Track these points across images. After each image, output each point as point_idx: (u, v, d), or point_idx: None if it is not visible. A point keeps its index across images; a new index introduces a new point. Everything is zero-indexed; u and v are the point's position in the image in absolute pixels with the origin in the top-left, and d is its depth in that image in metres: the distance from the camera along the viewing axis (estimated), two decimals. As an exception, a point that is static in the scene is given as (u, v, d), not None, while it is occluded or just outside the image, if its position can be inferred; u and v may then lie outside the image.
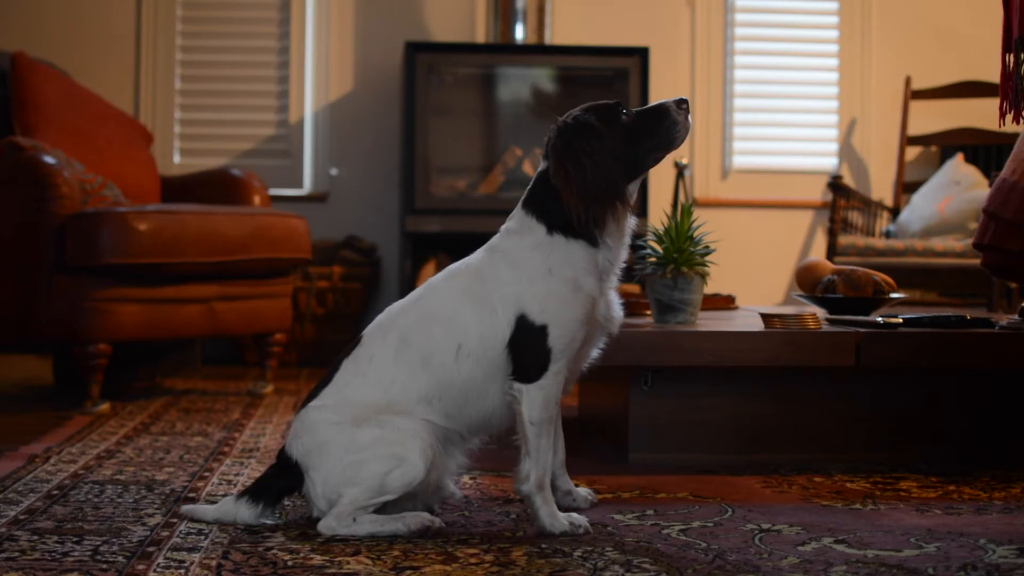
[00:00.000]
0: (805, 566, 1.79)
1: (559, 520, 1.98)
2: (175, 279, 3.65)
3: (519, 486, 1.99)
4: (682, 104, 2.05)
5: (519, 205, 2.07)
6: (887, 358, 2.61)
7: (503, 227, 2.09)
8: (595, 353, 2.13)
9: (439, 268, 4.95)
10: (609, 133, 2.01)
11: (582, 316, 2.00)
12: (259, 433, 3.09)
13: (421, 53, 4.92)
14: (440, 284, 2.07)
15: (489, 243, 2.09)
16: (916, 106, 5.55)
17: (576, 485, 2.25)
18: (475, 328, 1.99)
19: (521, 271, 2.00)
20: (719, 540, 1.95)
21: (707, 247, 2.70)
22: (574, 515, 2.01)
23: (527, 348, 1.98)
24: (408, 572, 1.73)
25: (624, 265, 2.10)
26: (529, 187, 2.08)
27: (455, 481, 2.17)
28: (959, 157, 5.26)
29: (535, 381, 1.98)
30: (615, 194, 1.99)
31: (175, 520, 2.06)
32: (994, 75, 5.47)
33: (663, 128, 2.04)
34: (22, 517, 2.07)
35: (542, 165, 2.06)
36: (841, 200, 5.11)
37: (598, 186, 1.97)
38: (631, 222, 2.06)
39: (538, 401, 1.98)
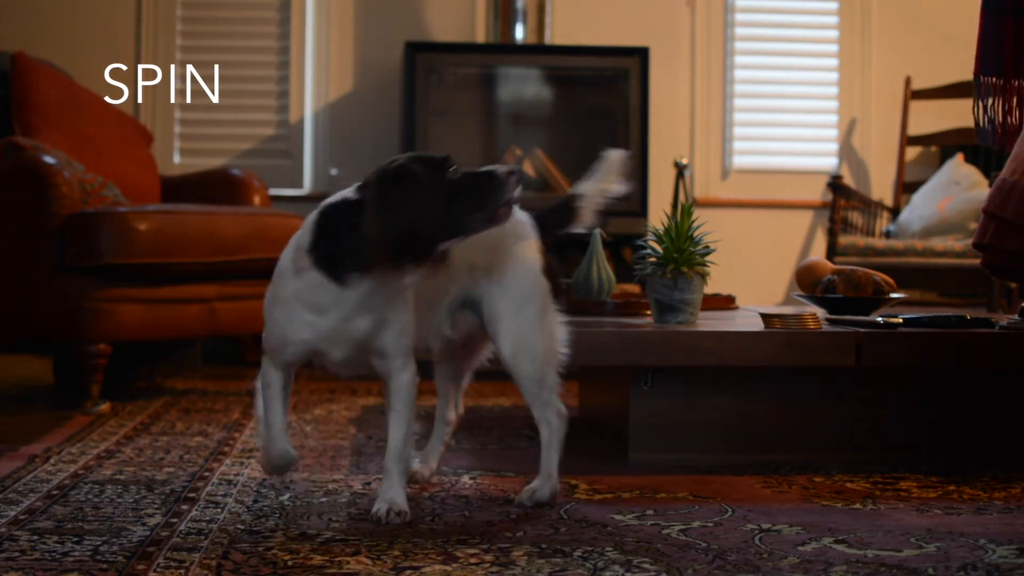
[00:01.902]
0: (805, 566, 1.79)
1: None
2: (175, 279, 3.65)
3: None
4: (512, 174, 1.99)
5: (311, 217, 2.06)
6: (887, 358, 2.61)
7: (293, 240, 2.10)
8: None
9: (439, 268, 4.95)
10: (431, 187, 1.96)
11: (281, 333, 2.08)
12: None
13: (421, 53, 4.92)
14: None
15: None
16: (916, 106, 5.55)
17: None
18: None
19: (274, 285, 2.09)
20: (719, 540, 1.95)
21: (707, 247, 2.70)
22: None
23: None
24: (408, 572, 1.73)
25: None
26: (331, 202, 2.04)
27: None
28: (959, 157, 5.26)
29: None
30: (416, 249, 1.94)
31: (175, 520, 2.06)
32: (994, 75, 5.47)
33: (487, 193, 1.97)
34: (22, 517, 2.07)
35: (351, 193, 2.03)
36: (841, 200, 5.11)
37: (401, 234, 1.93)
38: (413, 278, 2.02)
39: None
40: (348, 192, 2.05)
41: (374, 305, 2.02)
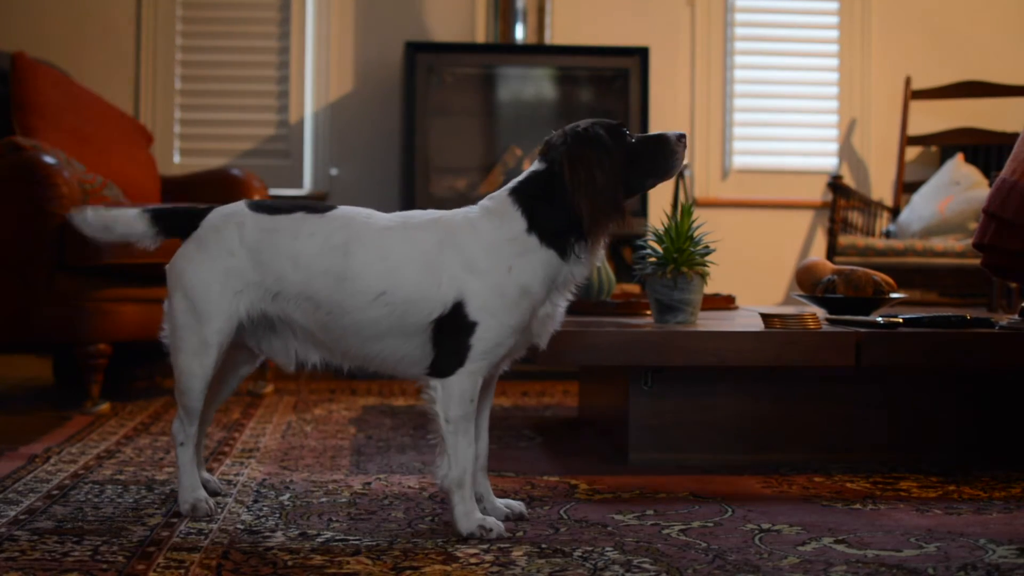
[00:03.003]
0: (805, 566, 1.79)
1: (471, 520, 1.96)
2: (175, 279, 3.64)
3: (439, 482, 1.99)
4: (681, 139, 2.05)
5: (505, 191, 2.04)
6: (887, 358, 2.61)
7: (482, 203, 2.05)
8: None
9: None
10: (616, 150, 2.01)
11: (517, 324, 1.98)
12: (259, 433, 3.09)
13: (421, 53, 4.92)
14: (414, 227, 2.04)
15: (467, 213, 2.05)
16: (916, 106, 5.55)
17: (512, 498, 2.21)
18: (411, 287, 1.98)
19: (485, 258, 1.98)
20: (719, 540, 1.95)
21: (707, 247, 2.70)
22: (490, 519, 1.98)
23: (449, 338, 1.97)
24: (408, 572, 1.73)
25: (585, 282, 2.09)
26: (520, 179, 2.05)
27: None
28: (959, 157, 5.26)
29: (449, 376, 1.97)
30: (619, 209, 1.98)
31: (175, 520, 2.06)
32: (994, 75, 5.47)
33: (662, 156, 2.04)
34: (22, 517, 2.07)
35: (537, 164, 2.04)
36: (841, 200, 5.11)
37: (606, 198, 1.96)
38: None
39: (454, 398, 1.96)
40: (532, 171, 2.04)
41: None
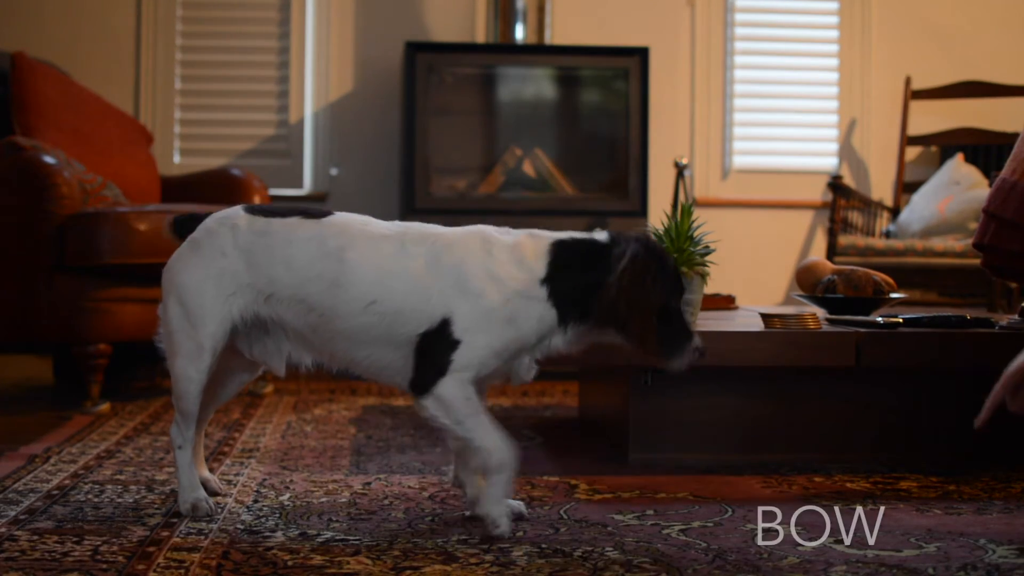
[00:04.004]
0: (805, 566, 1.79)
1: (501, 506, 1.96)
2: (175, 279, 3.64)
3: (483, 469, 1.97)
4: (698, 349, 2.02)
5: (550, 239, 2.01)
6: (887, 358, 2.61)
7: (520, 234, 2.03)
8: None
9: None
10: (671, 284, 2.00)
11: (501, 349, 1.97)
12: (259, 433, 3.09)
13: (421, 53, 4.92)
14: (410, 239, 2.03)
15: (485, 234, 2.03)
16: (916, 106, 5.55)
17: (512, 498, 2.18)
18: (401, 299, 1.98)
19: (482, 282, 1.96)
20: (719, 540, 1.95)
21: (707, 247, 2.70)
22: (507, 513, 1.99)
23: (431, 353, 1.96)
24: (408, 572, 1.74)
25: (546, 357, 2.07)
26: (571, 238, 2.01)
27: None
28: (959, 157, 5.26)
29: (432, 388, 1.95)
30: (653, 328, 1.97)
31: (175, 520, 2.06)
32: (994, 75, 5.47)
33: (679, 340, 2.02)
34: (22, 517, 2.07)
35: (598, 236, 2.01)
36: (841, 200, 5.11)
37: (639, 313, 1.96)
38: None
39: (451, 403, 1.94)
40: (590, 236, 2.02)
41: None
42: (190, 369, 2.08)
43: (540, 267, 1.98)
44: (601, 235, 2.03)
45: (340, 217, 2.09)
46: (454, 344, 1.95)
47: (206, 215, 2.18)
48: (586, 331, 2.01)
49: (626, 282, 1.94)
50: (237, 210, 2.14)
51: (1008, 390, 2.07)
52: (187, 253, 2.11)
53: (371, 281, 1.99)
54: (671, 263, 2.01)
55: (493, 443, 1.96)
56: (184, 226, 2.17)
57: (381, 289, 1.99)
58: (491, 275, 1.97)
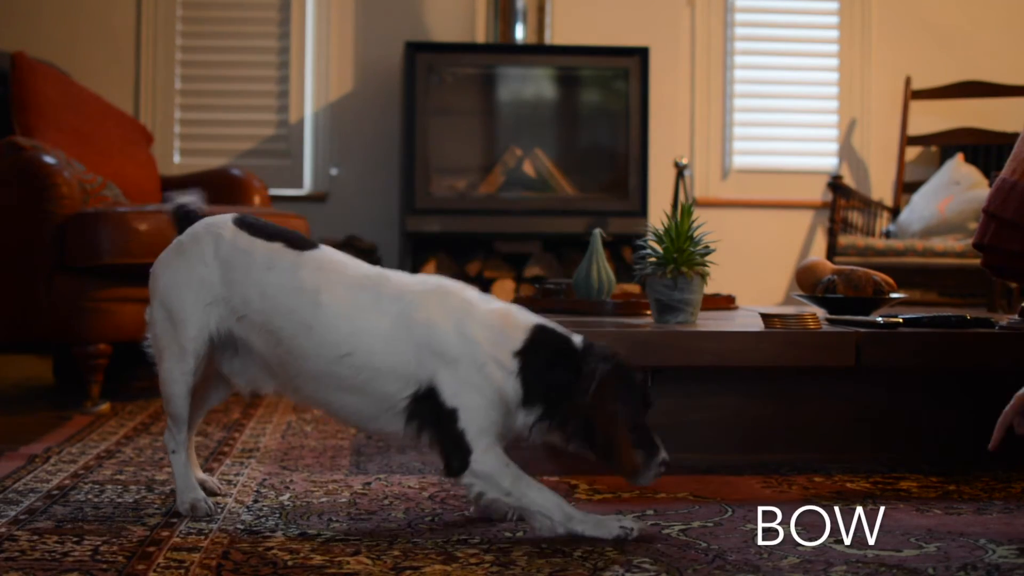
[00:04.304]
0: (805, 566, 1.79)
1: (609, 525, 1.93)
2: (175, 279, 3.64)
3: (546, 533, 1.95)
4: (663, 464, 1.98)
5: (535, 320, 2.00)
6: (887, 358, 2.61)
7: (508, 304, 2.02)
8: None
9: (439, 268, 4.96)
10: (639, 407, 1.98)
11: (492, 403, 1.94)
12: (259, 433, 3.09)
13: (421, 53, 4.92)
14: (386, 295, 2.00)
15: (467, 292, 2.01)
16: (916, 106, 5.55)
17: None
18: (378, 359, 1.95)
19: (456, 345, 1.94)
20: (719, 540, 1.95)
21: (707, 247, 2.70)
22: (626, 520, 1.96)
23: (440, 433, 1.94)
24: (408, 572, 1.73)
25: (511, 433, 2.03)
26: (553, 328, 2.00)
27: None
28: (959, 157, 5.26)
29: (468, 468, 1.93)
30: (622, 448, 1.95)
31: (175, 520, 2.06)
32: (994, 75, 5.47)
33: (642, 457, 1.99)
34: (22, 517, 2.07)
35: (577, 341, 2.00)
36: (841, 200, 5.11)
37: (627, 440, 1.94)
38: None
39: (492, 477, 1.93)
40: (567, 334, 2.01)
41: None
42: (175, 371, 2.08)
43: (517, 340, 1.96)
44: (577, 338, 2.01)
45: (323, 254, 2.06)
46: (452, 414, 1.93)
47: (204, 215, 2.18)
48: (546, 429, 1.98)
49: (597, 403, 1.92)
50: (226, 219, 2.12)
51: (1018, 413, 2.08)
52: (171, 257, 2.11)
53: (345, 332, 1.97)
54: (639, 381, 1.98)
55: (548, 503, 1.93)
56: (183, 219, 2.17)
57: (356, 342, 1.96)
58: (466, 338, 1.95)
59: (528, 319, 2.00)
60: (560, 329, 2.01)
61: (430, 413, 1.95)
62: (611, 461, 1.95)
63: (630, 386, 1.96)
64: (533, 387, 1.95)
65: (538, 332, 1.98)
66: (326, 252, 2.07)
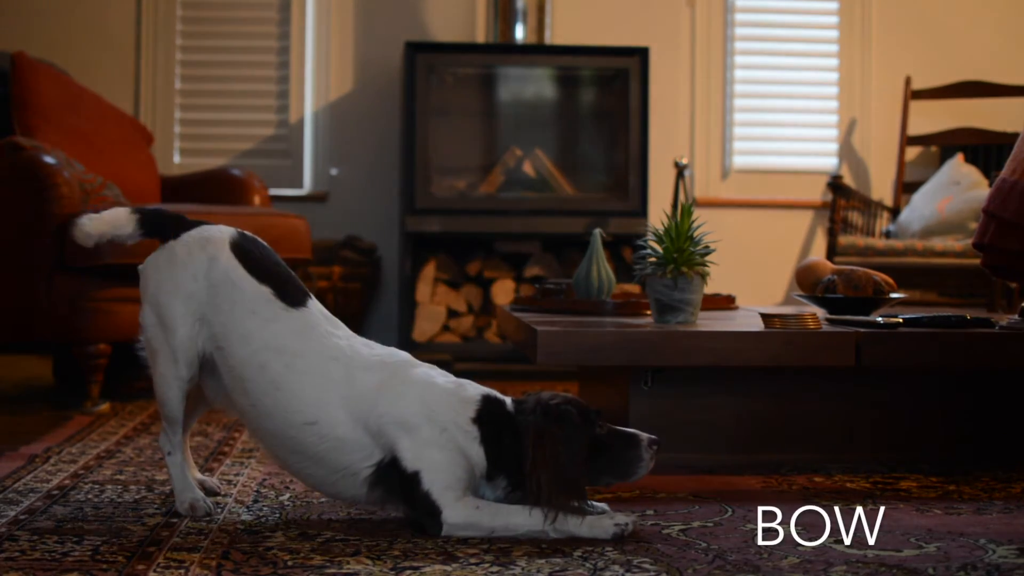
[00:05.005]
0: (805, 566, 1.79)
1: (605, 526, 1.94)
2: (175, 279, 3.64)
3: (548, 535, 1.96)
4: (653, 444, 2.02)
5: (479, 390, 2.02)
6: (887, 358, 2.61)
7: (452, 379, 2.04)
8: None
9: (439, 268, 4.96)
10: (583, 435, 1.97)
11: (456, 458, 1.96)
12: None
13: (421, 53, 4.92)
14: (358, 367, 2.01)
15: (429, 371, 2.04)
16: (916, 106, 5.55)
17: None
18: (343, 430, 1.97)
19: (418, 413, 1.96)
20: (719, 540, 1.95)
21: (707, 247, 2.70)
22: (619, 517, 1.98)
23: (409, 500, 1.95)
24: (408, 572, 1.74)
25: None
26: (498, 398, 2.03)
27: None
28: (959, 157, 5.26)
29: (444, 526, 1.93)
30: (581, 493, 1.95)
31: (175, 520, 2.06)
32: (994, 75, 5.47)
33: (627, 460, 2.01)
34: (22, 517, 2.07)
35: (511, 407, 2.02)
36: (841, 200, 5.11)
37: (567, 480, 1.93)
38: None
39: (470, 527, 1.94)
40: (500, 398, 2.03)
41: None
42: (168, 373, 2.08)
43: (471, 409, 1.99)
44: (507, 400, 2.03)
45: (306, 316, 2.05)
46: (415, 476, 1.94)
47: (174, 214, 2.17)
48: (512, 495, 2.01)
49: (540, 461, 1.93)
50: (224, 239, 2.10)
51: None
52: (162, 262, 2.11)
53: (311, 401, 1.98)
54: (572, 415, 1.97)
55: (533, 523, 1.93)
56: (153, 225, 2.16)
57: (321, 413, 1.98)
58: (427, 406, 1.97)
59: (478, 390, 2.04)
60: (495, 395, 2.04)
61: (394, 480, 1.97)
62: (539, 491, 1.94)
63: (565, 429, 1.96)
64: (493, 452, 1.98)
65: (486, 402, 2.01)
66: (311, 313, 2.06)
